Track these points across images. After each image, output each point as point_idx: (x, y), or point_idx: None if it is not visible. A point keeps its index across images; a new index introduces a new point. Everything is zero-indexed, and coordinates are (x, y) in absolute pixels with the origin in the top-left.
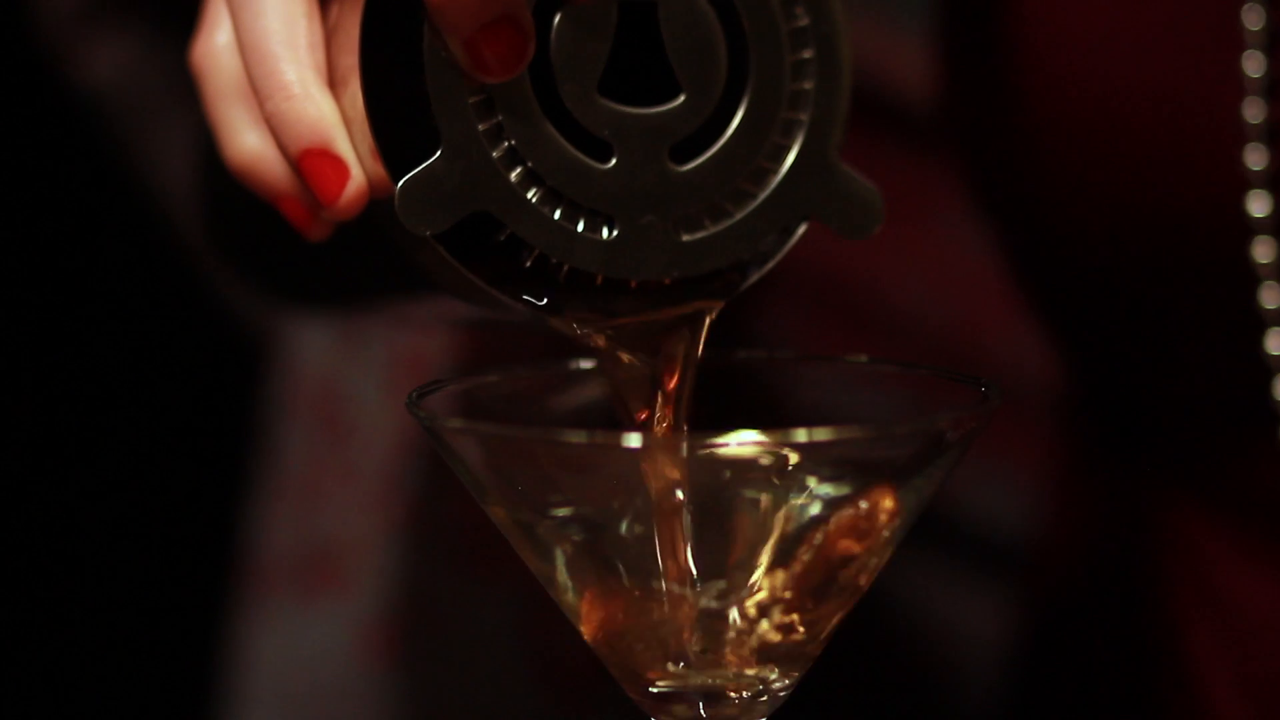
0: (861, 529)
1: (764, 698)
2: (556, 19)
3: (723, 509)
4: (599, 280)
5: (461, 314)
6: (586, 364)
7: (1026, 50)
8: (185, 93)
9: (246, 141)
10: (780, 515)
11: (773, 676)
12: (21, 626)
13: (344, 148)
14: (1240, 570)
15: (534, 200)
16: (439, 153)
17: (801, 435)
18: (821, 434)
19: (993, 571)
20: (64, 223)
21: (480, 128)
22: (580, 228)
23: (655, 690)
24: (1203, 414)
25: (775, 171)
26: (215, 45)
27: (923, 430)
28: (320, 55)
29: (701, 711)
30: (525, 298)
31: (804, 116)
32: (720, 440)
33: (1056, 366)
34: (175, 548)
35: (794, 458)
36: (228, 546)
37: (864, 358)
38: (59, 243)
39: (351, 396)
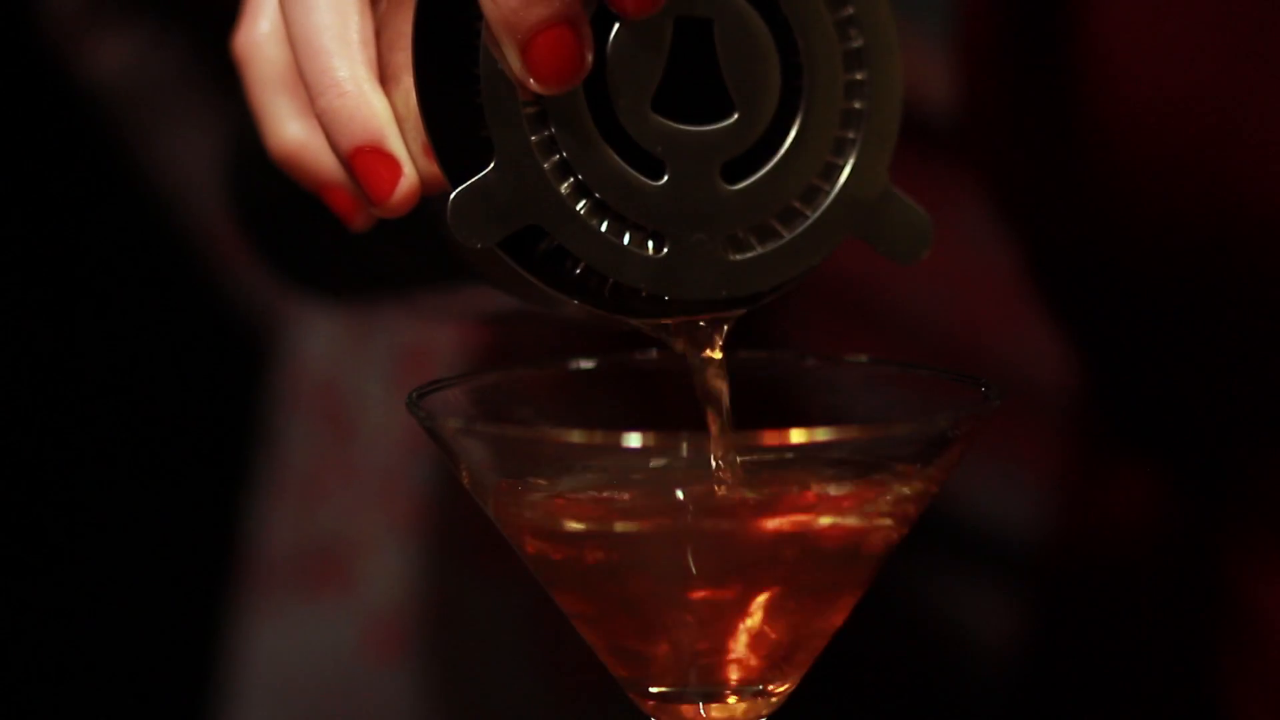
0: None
1: (764, 697)
2: (612, 34)
3: (723, 509)
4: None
5: (477, 305)
6: (587, 364)
7: (1072, 57)
8: (190, 88)
9: (290, 131)
10: (780, 515)
11: (773, 677)
12: (23, 623)
13: (396, 146)
14: (1259, 573)
15: (584, 214)
16: (492, 165)
17: (801, 435)
18: (821, 434)
19: (998, 572)
20: (69, 218)
21: (533, 139)
22: (631, 244)
23: (655, 690)
24: (1224, 417)
25: (827, 192)
26: (259, 34)
27: (923, 430)
28: (371, 51)
29: (702, 711)
30: (580, 300)
31: (856, 137)
32: (719, 440)
33: (1068, 367)
34: (178, 544)
35: (794, 458)
36: (230, 543)
37: (864, 358)
38: (63, 238)
39: (355, 392)
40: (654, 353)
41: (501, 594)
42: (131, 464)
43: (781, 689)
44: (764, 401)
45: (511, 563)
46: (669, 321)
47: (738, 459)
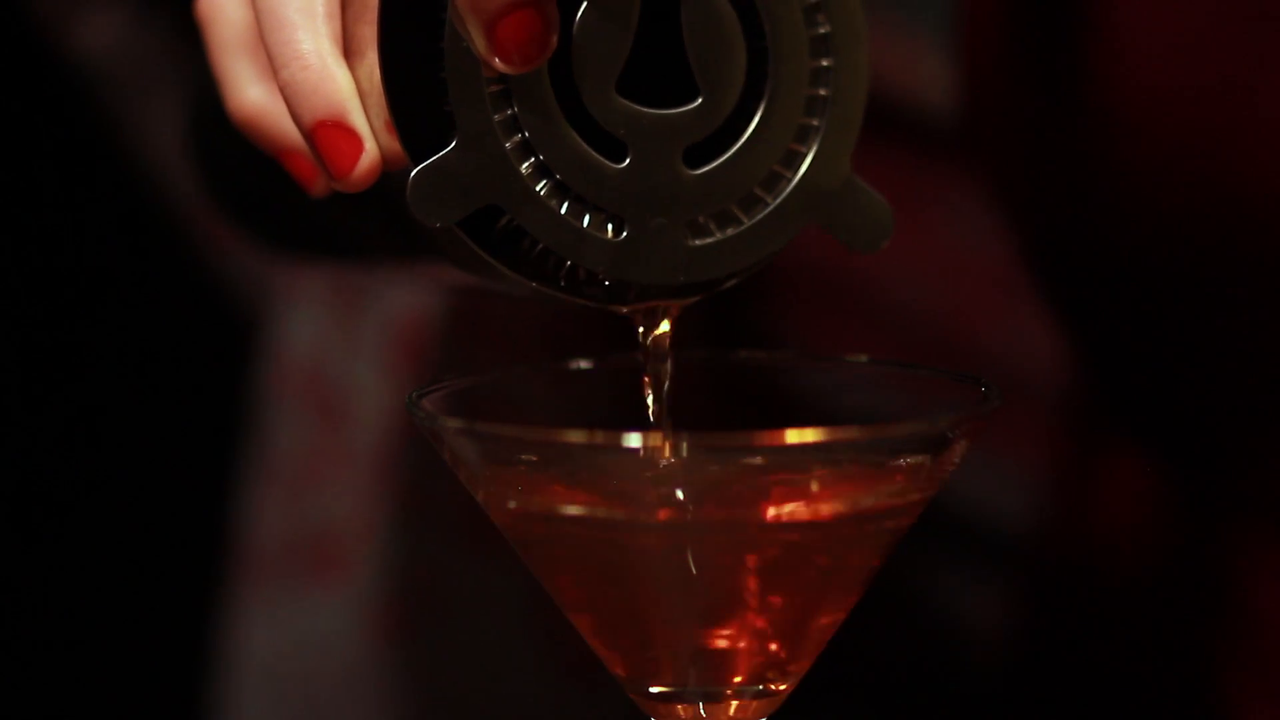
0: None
1: (765, 698)
2: (578, 15)
3: (722, 508)
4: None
5: (458, 279)
6: (586, 364)
7: (1075, 51)
8: (174, 65)
9: (251, 94)
10: (779, 515)
11: (773, 676)
12: (13, 616)
13: (359, 121)
14: (1254, 564)
15: (545, 196)
16: (453, 144)
17: (802, 435)
18: (822, 434)
19: (994, 567)
20: (50, 200)
21: (496, 118)
22: (590, 226)
23: (655, 690)
24: (1219, 411)
25: (788, 179)
26: None
27: (923, 430)
28: (336, 25)
29: (701, 711)
30: (538, 282)
31: (820, 124)
32: (719, 440)
33: (1064, 360)
34: (169, 535)
35: (794, 458)
36: (222, 533)
37: (864, 358)
38: (44, 221)
39: (343, 376)
40: None
41: (499, 580)
42: (120, 454)
43: (781, 689)
44: (764, 401)
45: (509, 547)
46: (624, 309)
47: (735, 459)
